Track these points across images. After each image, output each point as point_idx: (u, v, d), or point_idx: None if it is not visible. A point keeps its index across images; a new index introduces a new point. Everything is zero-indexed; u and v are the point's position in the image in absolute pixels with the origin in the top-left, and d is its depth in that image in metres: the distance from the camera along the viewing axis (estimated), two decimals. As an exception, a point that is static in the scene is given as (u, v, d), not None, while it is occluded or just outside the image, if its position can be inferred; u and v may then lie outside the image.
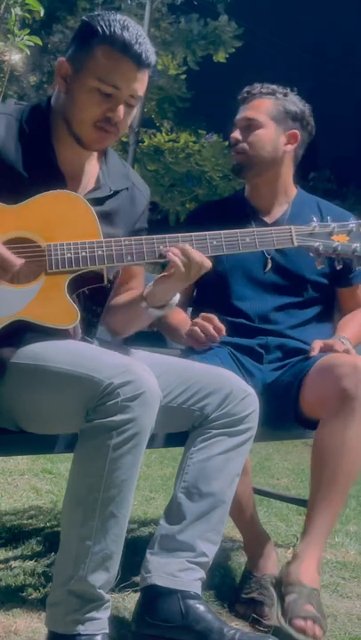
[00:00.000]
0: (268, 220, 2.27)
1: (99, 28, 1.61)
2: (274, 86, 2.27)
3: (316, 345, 2.09)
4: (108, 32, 1.60)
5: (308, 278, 2.22)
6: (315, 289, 2.24)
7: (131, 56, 1.60)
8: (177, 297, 1.77)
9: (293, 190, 2.34)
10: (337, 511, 1.91)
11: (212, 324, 2.01)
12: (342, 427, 1.87)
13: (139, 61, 1.61)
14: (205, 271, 1.70)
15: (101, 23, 1.61)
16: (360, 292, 2.31)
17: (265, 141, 2.23)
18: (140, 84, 1.65)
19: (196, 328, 2.02)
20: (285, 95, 2.26)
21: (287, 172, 2.31)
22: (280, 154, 2.25)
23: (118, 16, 1.63)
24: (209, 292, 2.25)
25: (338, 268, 1.85)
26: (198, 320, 2.04)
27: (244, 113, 2.26)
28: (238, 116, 2.28)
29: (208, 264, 1.69)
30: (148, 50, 1.62)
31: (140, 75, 1.64)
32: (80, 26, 1.69)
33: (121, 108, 1.64)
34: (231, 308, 2.21)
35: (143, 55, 1.61)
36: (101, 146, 1.71)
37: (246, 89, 2.29)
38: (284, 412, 2.05)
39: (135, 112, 1.71)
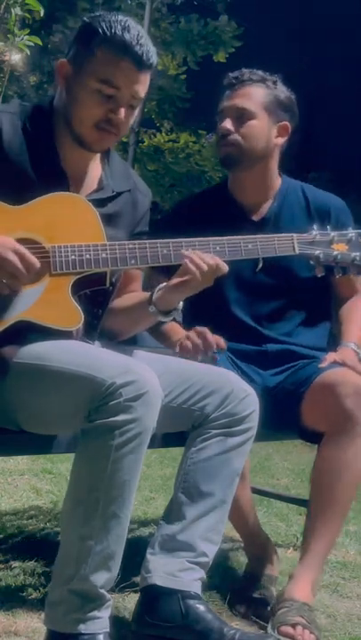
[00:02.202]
0: (255, 217, 2.19)
1: (99, 29, 1.61)
2: (261, 72, 2.15)
3: (329, 358, 2.03)
4: (108, 33, 1.60)
5: (302, 276, 2.13)
6: (309, 287, 2.15)
7: (131, 57, 1.60)
8: (181, 303, 1.76)
9: (278, 181, 2.24)
10: (335, 534, 1.91)
11: (205, 339, 1.90)
12: (342, 448, 1.86)
13: (140, 62, 1.61)
14: (221, 274, 1.69)
15: (102, 24, 1.61)
16: (354, 278, 2.22)
17: (258, 133, 2.11)
18: (142, 86, 1.65)
19: (188, 343, 1.92)
20: (275, 83, 2.15)
21: (274, 165, 2.21)
22: (271, 147, 2.15)
23: (120, 17, 1.63)
24: (199, 294, 2.20)
25: (337, 276, 1.84)
26: (190, 334, 1.94)
27: (233, 100, 2.13)
28: (227, 104, 2.14)
29: (224, 267, 1.69)
30: (149, 51, 1.62)
31: (142, 76, 1.64)
32: (81, 27, 1.69)
33: (122, 110, 1.64)
34: (223, 312, 2.14)
35: (144, 56, 1.61)
36: (103, 146, 1.71)
37: (234, 74, 2.15)
38: (286, 422, 2.04)
39: (137, 113, 1.70)
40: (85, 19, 1.71)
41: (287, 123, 2.17)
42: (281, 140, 2.18)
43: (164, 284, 1.74)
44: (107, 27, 1.61)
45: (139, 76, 1.63)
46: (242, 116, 2.11)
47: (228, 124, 2.12)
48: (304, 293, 2.18)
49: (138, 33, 1.61)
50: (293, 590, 1.83)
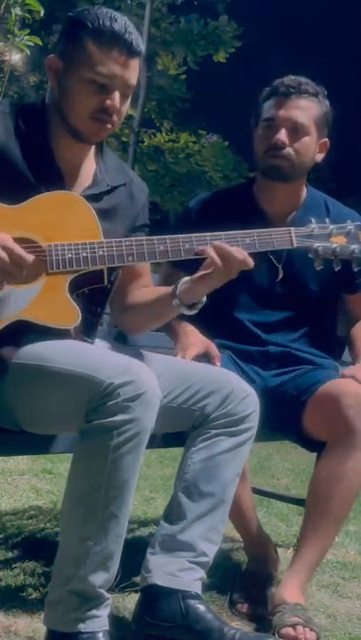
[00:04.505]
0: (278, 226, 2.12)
1: (87, 22, 1.63)
2: (311, 83, 2.09)
3: (346, 374, 2.01)
4: (96, 24, 1.63)
5: (315, 290, 2.15)
6: (321, 300, 2.17)
7: (122, 45, 1.62)
8: (205, 297, 1.75)
9: (304, 192, 2.22)
10: (328, 543, 1.91)
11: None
12: (341, 458, 1.86)
13: (130, 49, 1.63)
14: (247, 268, 1.69)
15: (89, 17, 1.64)
16: None
17: (309, 150, 2.09)
18: (133, 73, 1.67)
19: (179, 355, 1.93)
20: (324, 97, 2.11)
21: (305, 177, 2.20)
22: (313, 163, 2.14)
23: (104, 9, 1.66)
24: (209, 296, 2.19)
25: (336, 269, 1.83)
26: (189, 350, 1.94)
27: (290, 112, 2.06)
28: (283, 114, 2.06)
29: (250, 262, 1.67)
30: (137, 38, 1.65)
31: (132, 63, 1.65)
32: (67, 21, 1.71)
33: (116, 96, 1.64)
34: (232, 317, 2.14)
35: (134, 43, 1.63)
36: (100, 137, 1.71)
37: (290, 82, 2.08)
38: (286, 427, 2.04)
39: (129, 102, 1.71)
40: (70, 14, 1.73)
41: (327, 140, 2.15)
42: (320, 157, 2.16)
43: (188, 277, 1.72)
44: (94, 18, 1.63)
45: (129, 63, 1.65)
46: (297, 131, 2.07)
47: (284, 136, 2.06)
48: (313, 307, 2.17)
49: (125, 22, 1.64)
50: (283, 594, 1.84)
